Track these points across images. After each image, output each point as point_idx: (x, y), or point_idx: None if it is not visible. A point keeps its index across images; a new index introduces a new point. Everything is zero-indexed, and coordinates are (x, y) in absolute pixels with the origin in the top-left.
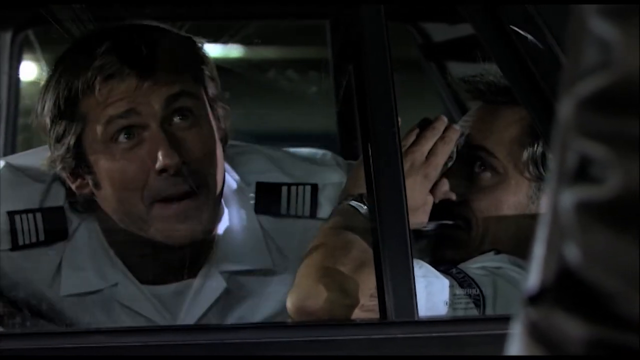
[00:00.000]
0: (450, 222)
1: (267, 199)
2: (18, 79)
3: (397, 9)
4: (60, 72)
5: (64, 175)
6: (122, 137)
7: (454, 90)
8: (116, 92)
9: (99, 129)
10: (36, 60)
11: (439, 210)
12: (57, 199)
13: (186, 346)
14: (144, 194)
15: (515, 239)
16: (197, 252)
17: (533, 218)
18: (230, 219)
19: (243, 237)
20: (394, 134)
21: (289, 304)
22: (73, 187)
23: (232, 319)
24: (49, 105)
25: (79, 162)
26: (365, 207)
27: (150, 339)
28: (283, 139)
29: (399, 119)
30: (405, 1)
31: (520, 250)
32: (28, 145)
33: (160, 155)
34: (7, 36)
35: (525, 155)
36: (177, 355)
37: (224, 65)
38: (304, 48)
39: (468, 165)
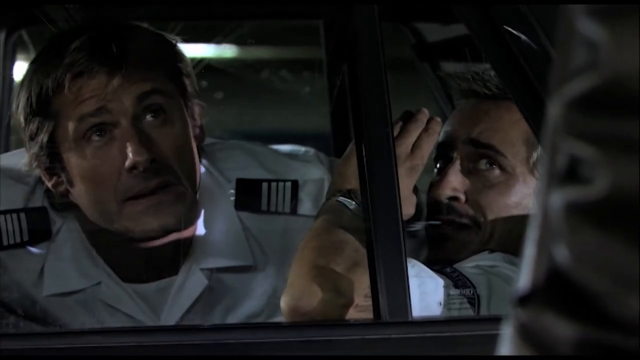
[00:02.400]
0: (458, 221)
1: (247, 196)
2: (11, 79)
3: (390, 9)
4: (33, 70)
5: (40, 173)
6: (94, 135)
7: (447, 88)
8: (86, 89)
9: (71, 127)
10: (30, 60)
11: (446, 208)
12: (42, 200)
13: (180, 346)
14: (115, 192)
15: (521, 238)
16: (178, 249)
17: None
18: (210, 216)
19: (223, 234)
20: (388, 133)
21: (283, 304)
22: (49, 185)
23: (215, 316)
24: (22, 103)
25: (52, 159)
26: (354, 203)
27: (145, 339)
28: (276, 139)
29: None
30: (399, 1)
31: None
32: (21, 146)
33: (129, 153)
34: (1, 36)
35: (535, 155)
36: (172, 356)
37: (217, 66)
38: (298, 48)
39: (473, 162)
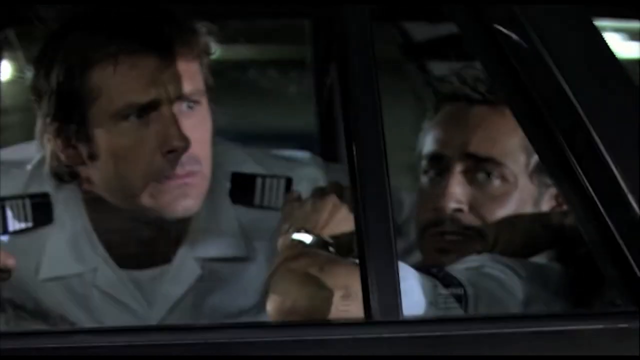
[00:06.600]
0: (463, 233)
1: (241, 190)
2: None
3: (380, 9)
4: (77, 39)
5: (55, 142)
6: (133, 115)
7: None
8: (137, 69)
9: (111, 103)
10: (16, 59)
11: (451, 220)
12: (41, 185)
13: (171, 346)
14: (146, 172)
15: (522, 243)
16: (174, 237)
17: (538, 222)
18: (207, 206)
19: (218, 225)
20: (378, 133)
21: (269, 308)
22: (62, 155)
23: (206, 306)
24: (57, 70)
25: (77, 131)
26: (312, 236)
27: (139, 338)
28: (263, 139)
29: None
30: (389, 0)
31: (524, 253)
32: (8, 144)
33: (170, 137)
34: None
35: (532, 161)
36: (164, 355)
37: None
38: (285, 47)
39: (473, 174)
